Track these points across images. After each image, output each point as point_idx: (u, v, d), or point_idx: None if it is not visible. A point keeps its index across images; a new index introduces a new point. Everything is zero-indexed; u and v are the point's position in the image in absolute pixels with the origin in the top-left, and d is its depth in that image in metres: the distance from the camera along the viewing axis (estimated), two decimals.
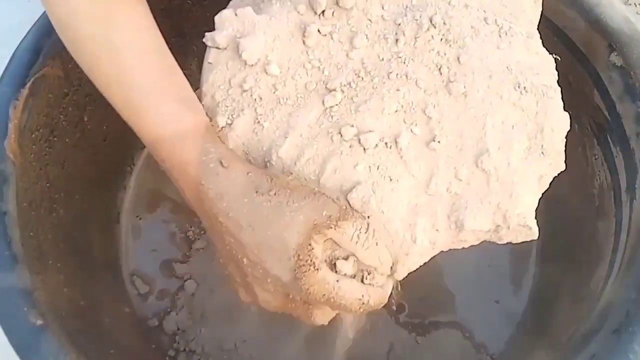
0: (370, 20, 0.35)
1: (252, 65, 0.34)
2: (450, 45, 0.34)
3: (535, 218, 0.33)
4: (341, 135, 0.33)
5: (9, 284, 0.37)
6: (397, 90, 0.33)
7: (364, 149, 0.33)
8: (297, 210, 0.31)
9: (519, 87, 0.34)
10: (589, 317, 0.40)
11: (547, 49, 0.51)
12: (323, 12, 0.35)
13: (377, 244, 0.32)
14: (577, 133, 0.51)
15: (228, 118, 0.35)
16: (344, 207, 0.32)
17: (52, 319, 0.37)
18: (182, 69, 0.66)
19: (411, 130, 0.33)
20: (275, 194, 0.32)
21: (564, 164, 0.34)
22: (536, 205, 0.33)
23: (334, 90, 0.34)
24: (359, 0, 0.35)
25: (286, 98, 0.34)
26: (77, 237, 0.50)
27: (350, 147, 0.33)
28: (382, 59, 0.34)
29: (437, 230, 0.33)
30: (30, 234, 0.41)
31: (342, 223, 0.31)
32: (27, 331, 0.36)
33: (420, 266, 0.34)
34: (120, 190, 0.61)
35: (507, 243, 0.34)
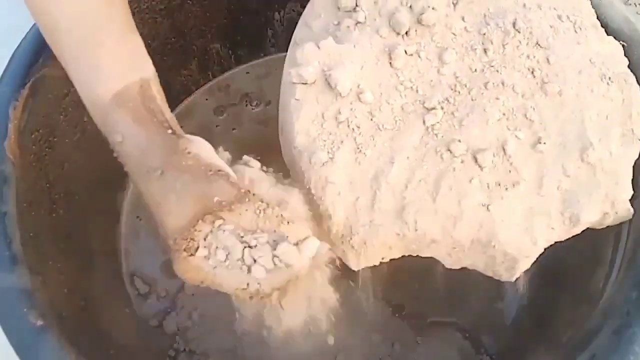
0: (454, 34, 0.36)
1: (345, 96, 0.34)
2: (536, 48, 0.35)
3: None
4: (450, 152, 0.33)
5: (9, 285, 0.37)
6: (497, 98, 0.34)
7: (479, 166, 0.33)
8: (184, 194, 0.30)
9: (604, 78, 0.35)
10: (590, 318, 0.40)
11: None
12: (407, 32, 0.35)
13: (287, 223, 0.32)
14: None
15: (328, 152, 0.34)
16: (242, 191, 0.31)
17: (52, 319, 0.37)
18: (182, 69, 0.66)
19: (516, 136, 0.34)
20: (162, 173, 0.31)
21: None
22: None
23: (433, 108, 0.34)
24: (440, 15, 0.35)
25: (384, 123, 0.34)
26: (77, 238, 0.50)
27: (461, 162, 0.33)
28: (475, 70, 0.35)
29: (552, 228, 0.33)
30: (30, 234, 0.41)
31: (237, 206, 0.30)
32: (27, 331, 0.36)
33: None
34: (120, 190, 0.61)
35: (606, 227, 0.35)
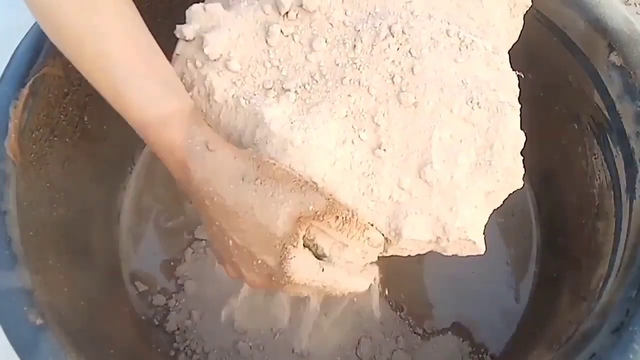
0: (331, 24, 0.36)
1: (215, 60, 0.35)
2: (406, 55, 0.34)
3: (483, 234, 0.34)
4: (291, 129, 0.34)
5: (9, 284, 0.37)
6: (349, 95, 0.34)
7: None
8: (283, 203, 0.32)
9: (471, 101, 0.34)
10: (589, 317, 0.40)
11: (546, 49, 0.51)
12: (287, 13, 0.36)
13: (363, 231, 0.34)
14: (576, 133, 0.51)
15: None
16: (331, 201, 0.33)
17: (52, 319, 0.37)
18: None
19: (359, 136, 0.33)
20: (261, 183, 0.32)
21: (521, 182, 0.34)
22: (485, 221, 0.34)
23: (289, 90, 0.34)
24: (323, 4, 0.36)
25: (243, 95, 0.35)
26: (77, 237, 0.50)
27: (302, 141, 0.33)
28: (338, 64, 0.35)
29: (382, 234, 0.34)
30: (31, 233, 0.41)
31: (327, 216, 0.32)
32: (27, 331, 0.36)
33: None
34: (120, 190, 0.61)
35: (453, 255, 0.35)
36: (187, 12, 0.37)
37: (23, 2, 0.35)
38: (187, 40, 0.37)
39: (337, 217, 0.33)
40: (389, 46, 0.34)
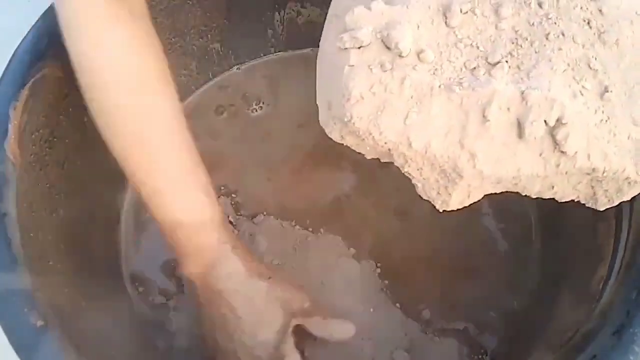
0: None
1: (405, 56, 0.33)
2: (588, 1, 0.35)
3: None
4: (529, 107, 0.32)
5: (9, 285, 0.37)
6: (560, 49, 0.34)
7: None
8: (275, 302, 0.39)
9: None
10: (590, 318, 0.40)
11: None
12: None
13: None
14: None
15: (406, 117, 0.33)
16: (312, 304, 0.39)
17: (53, 320, 0.37)
18: (182, 68, 0.66)
19: (583, 86, 0.33)
20: (268, 292, 0.39)
21: None
22: None
23: (498, 62, 0.33)
24: None
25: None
26: (78, 238, 0.50)
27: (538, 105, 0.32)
28: (533, 24, 0.34)
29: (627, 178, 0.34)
30: (31, 235, 0.41)
31: (310, 316, 0.40)
32: (27, 332, 0.36)
33: None
34: (120, 190, 0.61)
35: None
36: (350, 17, 0.34)
37: (23, 3, 0.35)
38: (360, 47, 0.33)
39: (317, 315, 0.43)
40: None
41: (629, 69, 0.34)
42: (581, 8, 0.35)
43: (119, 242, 0.59)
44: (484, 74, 0.33)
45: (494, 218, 0.60)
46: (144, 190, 0.39)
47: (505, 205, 0.60)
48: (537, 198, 0.61)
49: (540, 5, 0.35)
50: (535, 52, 0.34)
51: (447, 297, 0.56)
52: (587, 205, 0.37)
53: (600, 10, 0.35)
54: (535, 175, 0.34)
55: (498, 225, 0.60)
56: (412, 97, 0.32)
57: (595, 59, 0.34)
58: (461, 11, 0.34)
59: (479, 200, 0.37)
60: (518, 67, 0.33)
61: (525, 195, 0.37)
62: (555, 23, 0.34)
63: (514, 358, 0.53)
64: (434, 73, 0.33)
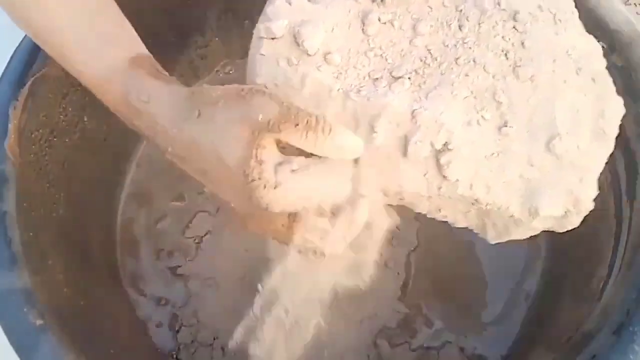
0: (430, 7, 0.35)
1: (312, 55, 0.33)
2: (514, 31, 0.34)
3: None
4: (417, 125, 0.31)
5: (9, 284, 0.37)
6: (467, 75, 0.33)
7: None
8: (227, 123, 0.27)
9: (580, 71, 0.34)
10: (590, 317, 0.40)
11: None
12: (382, 0, 0.35)
13: (333, 137, 0.29)
14: None
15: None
16: (285, 105, 0.28)
17: (52, 319, 0.37)
18: (181, 68, 0.66)
19: (482, 116, 0.33)
20: (199, 114, 0.28)
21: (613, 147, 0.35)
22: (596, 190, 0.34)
23: (401, 77, 0.33)
24: None
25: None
26: (77, 237, 0.50)
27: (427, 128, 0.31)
28: (447, 45, 0.34)
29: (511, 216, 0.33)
30: (30, 234, 0.41)
31: (285, 125, 0.28)
32: (27, 331, 0.36)
33: None
34: (120, 190, 0.61)
35: (565, 232, 0.34)
36: (270, 8, 0.35)
37: None
38: (273, 39, 0.34)
39: (297, 124, 0.28)
40: (496, 23, 0.34)
41: (539, 106, 0.33)
42: (502, 37, 0.34)
43: (118, 241, 0.59)
44: (384, 87, 0.33)
45: None
46: (51, 51, 0.34)
47: None
48: None
49: (460, 27, 0.34)
50: (441, 74, 0.33)
51: (446, 298, 0.56)
52: (479, 235, 0.36)
53: (522, 43, 0.34)
54: (419, 194, 0.33)
55: None
56: (310, 96, 0.32)
57: (503, 91, 0.33)
58: (379, 20, 0.34)
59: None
60: (419, 85, 0.33)
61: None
62: (470, 48, 0.34)
63: (514, 358, 0.53)
64: (337, 77, 0.33)
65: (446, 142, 0.31)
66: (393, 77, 0.33)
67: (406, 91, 0.32)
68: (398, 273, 0.57)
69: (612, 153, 0.46)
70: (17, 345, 0.35)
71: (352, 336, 0.55)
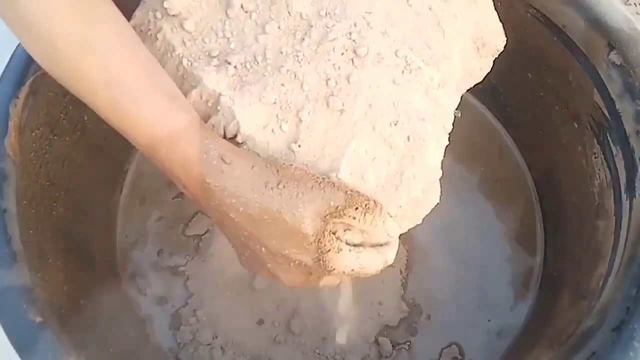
0: (289, 12, 0.36)
1: (173, 16, 0.36)
2: (347, 62, 0.35)
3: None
4: (217, 109, 0.34)
5: (8, 282, 0.37)
6: (282, 85, 0.34)
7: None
8: (307, 202, 0.32)
9: (395, 124, 0.34)
10: (590, 315, 0.40)
11: (546, 49, 0.51)
12: None
13: (383, 222, 0.33)
14: (576, 132, 0.52)
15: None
16: (349, 193, 0.32)
17: (52, 317, 0.37)
18: None
19: (280, 126, 0.34)
20: (284, 186, 0.32)
21: (421, 219, 0.35)
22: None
23: (230, 64, 0.35)
24: None
25: (189, 56, 0.36)
26: (77, 236, 0.50)
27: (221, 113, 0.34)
28: (282, 52, 0.35)
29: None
30: (30, 232, 0.41)
31: (348, 210, 0.32)
32: (26, 329, 0.36)
33: None
34: (121, 189, 0.61)
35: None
36: None
37: None
38: None
39: (357, 208, 0.32)
40: (333, 49, 0.35)
41: (334, 139, 0.34)
42: (333, 65, 0.35)
43: (117, 240, 0.59)
44: (214, 66, 0.35)
45: (496, 216, 0.60)
46: (108, 111, 0.33)
47: (506, 204, 0.60)
48: (537, 198, 0.62)
49: (302, 41, 0.35)
50: (263, 75, 0.34)
51: (447, 295, 0.56)
52: None
53: (348, 77, 0.34)
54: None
55: (498, 225, 0.60)
56: (159, 50, 0.37)
57: (309, 113, 0.34)
58: (242, 7, 0.36)
59: None
60: (241, 77, 0.35)
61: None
62: (299, 62, 0.35)
63: (514, 358, 0.53)
64: (183, 42, 0.36)
65: (236, 134, 0.34)
66: (225, 61, 0.35)
67: (227, 77, 0.35)
68: (401, 271, 0.57)
69: (611, 151, 0.46)
70: (17, 342, 0.35)
71: (354, 334, 0.55)
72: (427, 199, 0.35)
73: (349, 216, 0.32)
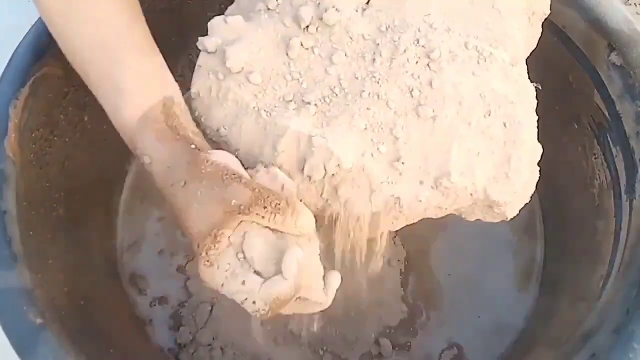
0: (351, 38, 0.36)
1: (235, 72, 0.36)
2: (425, 69, 0.35)
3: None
4: (312, 150, 0.34)
5: (8, 283, 0.37)
6: (368, 108, 0.34)
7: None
8: (207, 199, 0.32)
9: (489, 115, 0.34)
10: (589, 316, 0.40)
11: (546, 49, 0.51)
12: (307, 26, 0.36)
13: (295, 223, 0.32)
14: (576, 133, 0.51)
15: (224, 123, 0.36)
16: (257, 191, 0.32)
17: (52, 318, 0.37)
18: (182, 68, 0.66)
19: (378, 149, 0.34)
20: (185, 184, 0.33)
21: (529, 198, 0.35)
22: None
23: (309, 103, 0.35)
24: (342, 17, 0.36)
25: (264, 108, 0.36)
26: (77, 237, 0.50)
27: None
28: (358, 77, 0.35)
29: None
30: (30, 233, 0.41)
31: (254, 208, 0.31)
32: (26, 330, 0.36)
33: None
34: (120, 190, 0.61)
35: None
36: (209, 24, 0.37)
37: (24, 2, 0.35)
38: (209, 53, 0.37)
39: (265, 207, 0.31)
40: (407, 60, 0.35)
41: (435, 147, 0.34)
42: (412, 75, 0.34)
43: (117, 240, 0.59)
44: (293, 109, 0.35)
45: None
46: (102, 90, 0.36)
47: None
48: (537, 199, 0.62)
49: (373, 61, 0.35)
50: (346, 105, 0.34)
51: (448, 296, 0.57)
52: None
53: (430, 83, 0.34)
54: (315, 207, 0.35)
55: (499, 224, 0.59)
56: (232, 110, 0.36)
57: (403, 128, 0.34)
58: (302, 45, 0.36)
59: None
60: (325, 113, 0.35)
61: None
62: (377, 83, 0.35)
63: (514, 358, 0.53)
64: (255, 95, 0.36)
65: (337, 168, 0.33)
66: (303, 101, 0.35)
67: (310, 116, 0.34)
68: (401, 271, 0.57)
69: (611, 151, 0.46)
70: (17, 344, 0.35)
71: (354, 334, 0.55)
72: (533, 178, 0.35)
73: (256, 214, 0.31)
